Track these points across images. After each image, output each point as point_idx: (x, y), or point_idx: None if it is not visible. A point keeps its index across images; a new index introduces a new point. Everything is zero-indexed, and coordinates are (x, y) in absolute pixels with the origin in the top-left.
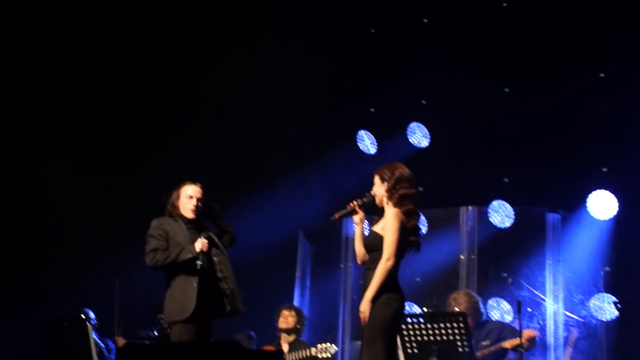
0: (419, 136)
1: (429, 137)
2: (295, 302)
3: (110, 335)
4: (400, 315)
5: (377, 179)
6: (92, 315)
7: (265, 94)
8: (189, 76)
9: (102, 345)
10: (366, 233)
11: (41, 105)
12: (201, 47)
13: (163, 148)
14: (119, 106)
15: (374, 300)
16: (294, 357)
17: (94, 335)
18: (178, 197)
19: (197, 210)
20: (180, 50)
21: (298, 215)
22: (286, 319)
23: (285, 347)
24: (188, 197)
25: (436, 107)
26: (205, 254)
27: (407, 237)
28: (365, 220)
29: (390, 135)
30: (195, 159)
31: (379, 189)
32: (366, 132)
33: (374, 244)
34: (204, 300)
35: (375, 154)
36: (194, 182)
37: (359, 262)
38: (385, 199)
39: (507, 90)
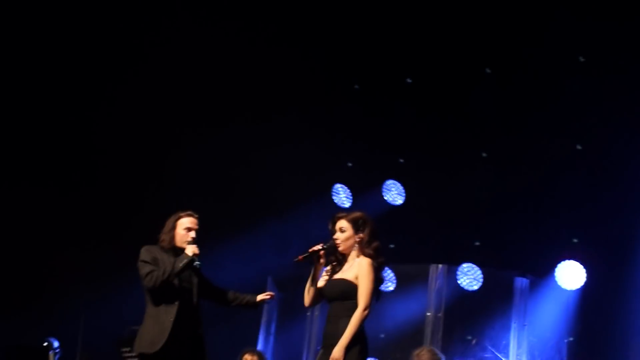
0: (394, 194)
1: (404, 195)
2: (259, 348)
3: None
4: None
5: (348, 226)
6: (56, 344)
7: (242, 142)
8: (161, 116)
9: None
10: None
11: (12, 131)
12: (180, 88)
13: (138, 186)
14: (96, 140)
15: (348, 345)
16: None
17: None
18: (174, 228)
19: (194, 242)
20: (158, 91)
21: (268, 262)
22: None
23: None
24: (186, 230)
25: (413, 167)
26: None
27: (377, 289)
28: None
29: (366, 191)
30: (169, 200)
31: (350, 238)
32: (342, 185)
33: (348, 292)
34: (178, 336)
35: (350, 208)
36: (191, 214)
37: (307, 304)
38: (357, 249)
39: (484, 155)
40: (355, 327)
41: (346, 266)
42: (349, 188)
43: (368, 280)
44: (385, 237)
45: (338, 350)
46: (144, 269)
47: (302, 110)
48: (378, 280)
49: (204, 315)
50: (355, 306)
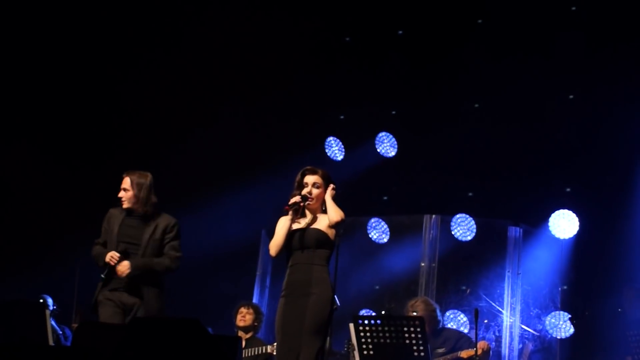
0: (386, 146)
1: (396, 147)
2: (255, 301)
3: (68, 323)
4: None
5: (322, 182)
6: (50, 301)
7: (237, 95)
8: (154, 70)
9: (60, 331)
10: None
11: (6, 92)
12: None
13: (129, 140)
14: (87, 97)
15: (323, 296)
16: (249, 354)
17: (51, 322)
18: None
19: (127, 200)
20: (150, 42)
21: (263, 216)
22: (244, 317)
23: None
24: (122, 190)
25: (406, 118)
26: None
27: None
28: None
29: (359, 144)
30: (162, 155)
31: (321, 192)
32: (334, 138)
33: (324, 241)
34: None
35: (343, 160)
36: (126, 172)
37: (272, 253)
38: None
39: (476, 105)
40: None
41: (316, 218)
42: (341, 141)
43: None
44: (378, 189)
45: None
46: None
47: (294, 64)
48: None
49: (198, 269)
50: (327, 255)
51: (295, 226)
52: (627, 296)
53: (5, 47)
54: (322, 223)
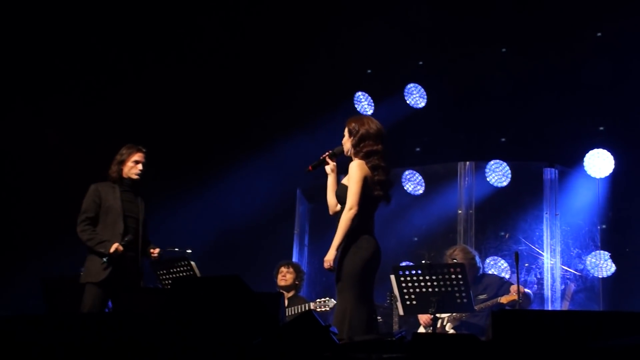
0: (416, 97)
1: (425, 97)
2: (294, 260)
3: None
4: (371, 265)
5: (346, 131)
6: None
7: (264, 54)
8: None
9: None
10: None
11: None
12: None
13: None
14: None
15: (344, 250)
16: (293, 312)
17: None
18: (124, 162)
19: (142, 174)
20: None
21: (295, 174)
22: (284, 276)
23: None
24: (134, 163)
25: (433, 68)
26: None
27: (373, 190)
28: None
29: (388, 97)
30: (194, 119)
31: (346, 142)
32: (363, 93)
33: (342, 195)
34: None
35: (373, 114)
36: (140, 148)
37: (330, 212)
38: (351, 152)
39: (504, 50)
40: (343, 228)
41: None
42: (370, 95)
43: (353, 181)
44: (410, 141)
45: (329, 252)
46: (82, 210)
47: (319, 22)
48: (374, 181)
49: (237, 232)
50: None
51: None
52: None
53: None
54: (346, 177)
